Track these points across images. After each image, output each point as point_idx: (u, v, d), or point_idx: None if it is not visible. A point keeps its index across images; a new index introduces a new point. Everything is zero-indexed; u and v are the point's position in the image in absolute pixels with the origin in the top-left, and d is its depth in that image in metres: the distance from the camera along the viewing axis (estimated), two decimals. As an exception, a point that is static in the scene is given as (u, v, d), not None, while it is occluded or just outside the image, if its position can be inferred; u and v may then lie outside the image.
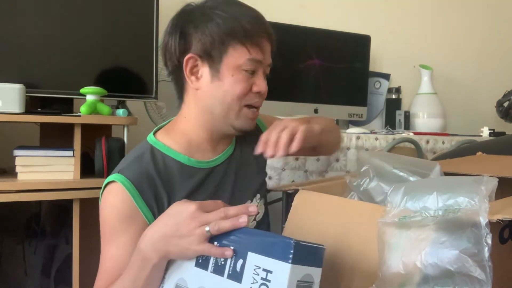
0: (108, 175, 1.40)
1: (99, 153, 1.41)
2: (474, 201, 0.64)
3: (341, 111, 2.13)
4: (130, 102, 1.66)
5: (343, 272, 0.77)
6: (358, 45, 2.19)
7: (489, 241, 0.60)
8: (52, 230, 1.55)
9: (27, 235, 1.53)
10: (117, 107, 1.59)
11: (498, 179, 0.68)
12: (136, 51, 1.60)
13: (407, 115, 2.31)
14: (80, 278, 1.35)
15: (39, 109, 1.48)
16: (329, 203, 0.88)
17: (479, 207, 0.63)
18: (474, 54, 2.67)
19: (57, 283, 1.49)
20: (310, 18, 2.18)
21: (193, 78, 0.90)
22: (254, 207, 0.73)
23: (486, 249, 0.60)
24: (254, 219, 0.99)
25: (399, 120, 2.32)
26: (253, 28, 0.87)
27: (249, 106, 0.91)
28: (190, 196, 0.89)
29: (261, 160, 1.08)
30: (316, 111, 2.02)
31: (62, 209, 1.48)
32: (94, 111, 1.44)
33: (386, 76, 2.41)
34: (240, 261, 0.66)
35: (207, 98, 0.90)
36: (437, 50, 2.58)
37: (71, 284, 1.37)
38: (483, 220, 0.61)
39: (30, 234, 1.54)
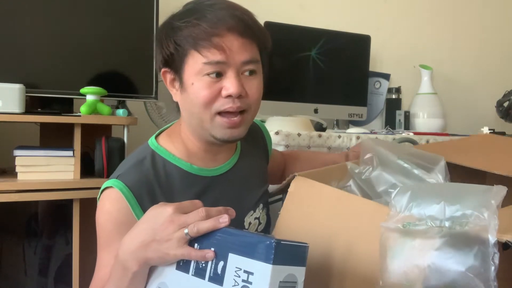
0: (108, 175, 1.40)
1: (99, 153, 1.41)
2: (483, 216, 0.61)
3: (341, 111, 2.13)
4: (130, 102, 1.66)
5: (332, 273, 0.76)
6: (358, 45, 2.19)
7: (496, 260, 0.58)
8: (52, 230, 1.55)
9: (27, 235, 1.53)
10: (117, 107, 1.59)
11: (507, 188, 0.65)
12: (136, 51, 1.60)
13: (407, 115, 2.31)
14: (80, 278, 1.35)
15: (39, 109, 1.48)
16: (327, 194, 0.84)
17: (488, 224, 0.60)
18: (474, 54, 2.67)
19: (57, 283, 1.49)
20: (310, 18, 2.17)
21: (174, 90, 0.89)
22: (232, 210, 0.70)
23: (493, 268, 0.58)
24: (256, 230, 0.98)
25: (399, 120, 2.31)
26: (203, 29, 0.80)
27: (222, 113, 0.84)
28: None
29: (264, 170, 1.06)
30: (316, 111, 2.02)
31: (62, 209, 1.48)
32: (94, 111, 1.44)
33: (386, 76, 2.41)
34: (221, 263, 0.65)
35: (183, 111, 0.89)
36: (437, 50, 2.57)
37: (71, 284, 1.37)
38: (492, 238, 0.59)
39: (30, 234, 1.54)
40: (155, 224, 0.68)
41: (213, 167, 0.92)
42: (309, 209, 0.85)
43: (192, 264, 0.68)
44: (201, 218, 0.67)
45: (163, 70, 0.89)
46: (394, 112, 2.35)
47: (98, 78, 1.53)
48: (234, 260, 0.63)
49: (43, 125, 1.53)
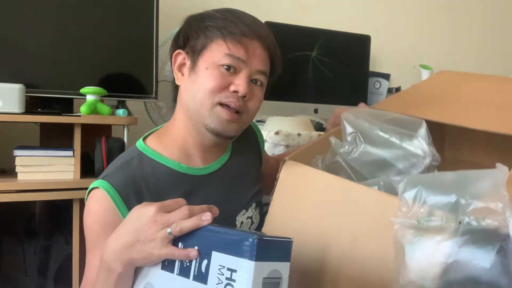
0: (108, 175, 1.40)
1: (99, 153, 1.41)
2: (498, 208, 0.60)
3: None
4: (130, 102, 1.66)
5: (325, 273, 0.74)
6: (358, 45, 2.19)
7: None
8: (52, 230, 1.55)
9: (27, 235, 1.53)
10: (117, 107, 1.59)
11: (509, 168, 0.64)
12: (136, 51, 1.60)
13: (407, 115, 2.31)
14: (80, 278, 1.35)
15: (39, 109, 1.48)
16: (321, 181, 0.81)
17: (507, 219, 0.59)
18: (474, 54, 2.67)
19: (57, 283, 1.49)
20: (310, 18, 2.17)
21: (179, 74, 0.90)
22: (216, 208, 0.70)
23: None
24: (249, 229, 0.97)
25: (399, 120, 2.31)
26: (238, 27, 0.85)
27: (223, 105, 0.86)
28: None
29: (257, 170, 1.06)
30: (316, 111, 2.02)
31: (62, 209, 1.48)
32: (94, 111, 1.44)
33: (386, 76, 2.41)
34: (205, 262, 0.64)
35: (185, 93, 0.89)
36: (437, 50, 2.58)
37: (71, 284, 1.37)
38: None
39: (30, 234, 1.54)
40: (139, 224, 0.68)
41: (203, 166, 0.92)
42: (303, 198, 0.82)
43: (177, 264, 0.67)
44: (184, 217, 0.67)
45: (177, 51, 0.90)
46: (394, 112, 2.35)
47: (98, 78, 1.53)
48: (218, 258, 0.63)
49: (43, 125, 1.53)
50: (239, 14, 0.89)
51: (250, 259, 0.59)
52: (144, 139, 0.92)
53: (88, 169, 1.43)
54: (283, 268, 0.62)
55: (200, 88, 0.85)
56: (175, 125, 0.92)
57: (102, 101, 1.50)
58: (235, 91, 0.85)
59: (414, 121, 0.87)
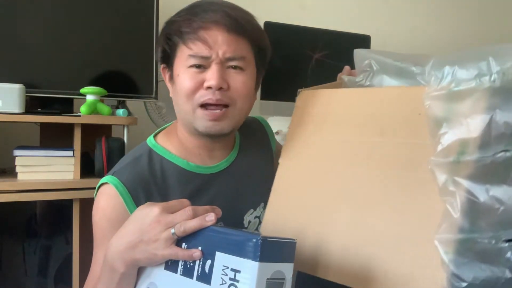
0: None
1: (99, 153, 1.41)
2: None
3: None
4: (130, 102, 1.66)
5: (355, 166, 0.77)
6: (358, 45, 2.18)
7: None
8: (52, 230, 1.55)
9: (27, 235, 1.53)
10: (117, 107, 1.59)
11: None
12: (136, 51, 1.60)
13: (407, 115, 2.31)
14: (80, 278, 1.35)
15: (39, 109, 1.48)
16: (342, 95, 0.78)
17: None
18: (474, 54, 2.67)
19: (57, 283, 1.49)
20: (310, 18, 2.17)
21: (170, 87, 0.91)
22: (219, 209, 0.70)
23: None
24: (256, 229, 0.96)
25: (399, 120, 2.31)
26: (192, 23, 0.82)
27: (204, 106, 0.84)
28: None
29: (267, 168, 1.03)
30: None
31: (62, 209, 1.48)
32: (94, 111, 1.44)
33: (386, 76, 2.41)
34: (209, 262, 0.64)
35: (174, 104, 0.90)
36: (437, 50, 2.57)
37: (71, 284, 1.37)
38: None
39: (30, 234, 1.54)
40: (142, 224, 0.68)
41: (211, 165, 0.92)
42: (323, 117, 0.79)
43: (180, 264, 0.67)
44: (188, 218, 0.67)
45: (162, 66, 0.91)
46: (394, 112, 2.35)
47: (98, 78, 1.53)
48: (221, 259, 0.63)
49: (43, 125, 1.53)
50: (196, 8, 0.85)
51: (254, 259, 0.59)
52: (155, 136, 0.93)
53: (88, 169, 1.43)
54: (286, 269, 0.62)
55: (180, 96, 0.85)
56: (179, 127, 0.92)
57: (102, 101, 1.50)
58: (209, 87, 0.82)
59: (421, 57, 0.83)
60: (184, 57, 0.83)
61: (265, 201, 0.97)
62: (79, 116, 1.39)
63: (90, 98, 1.44)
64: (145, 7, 1.60)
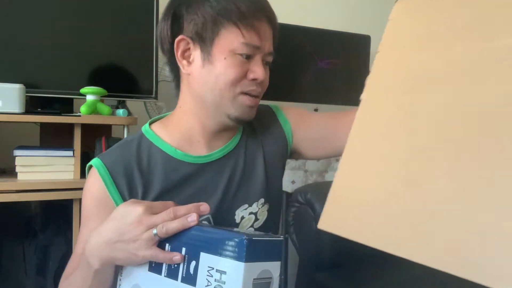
0: (108, 175, 1.40)
1: (99, 153, 1.41)
2: None
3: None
4: (130, 102, 1.66)
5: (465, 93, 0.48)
6: (358, 45, 2.19)
7: None
8: (52, 230, 1.55)
9: (27, 235, 1.53)
10: (117, 107, 1.59)
11: None
12: (136, 51, 1.60)
13: (407, 115, 2.31)
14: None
15: (39, 109, 1.48)
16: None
17: None
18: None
19: (57, 283, 1.49)
20: (310, 18, 2.18)
21: (184, 62, 0.84)
22: (206, 206, 0.68)
23: None
24: (252, 226, 0.91)
25: (399, 120, 2.31)
26: (249, 9, 0.79)
27: (244, 93, 0.83)
28: (170, 191, 0.83)
29: (275, 162, 0.96)
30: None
31: (62, 209, 1.48)
32: (94, 111, 1.44)
33: (386, 76, 2.41)
34: (193, 263, 0.62)
35: (199, 84, 0.84)
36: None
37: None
38: None
39: (30, 234, 1.54)
40: (123, 223, 0.68)
41: (202, 154, 0.88)
42: (427, 29, 0.57)
43: (164, 265, 0.66)
44: (170, 219, 0.66)
45: (180, 37, 0.82)
46: (394, 112, 2.35)
47: (98, 78, 1.53)
48: (206, 260, 0.61)
49: (43, 125, 1.53)
50: None
51: (240, 260, 0.57)
52: (150, 123, 0.91)
53: (88, 169, 1.43)
54: (273, 268, 0.61)
55: (220, 79, 0.81)
56: (180, 112, 0.88)
57: (102, 101, 1.50)
58: (254, 79, 0.82)
59: None
60: (236, 42, 0.80)
61: (266, 197, 0.93)
62: (79, 116, 1.39)
63: (90, 98, 1.44)
64: (145, 7, 1.60)
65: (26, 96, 1.37)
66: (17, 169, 1.33)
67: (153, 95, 1.62)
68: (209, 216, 0.85)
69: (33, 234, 1.54)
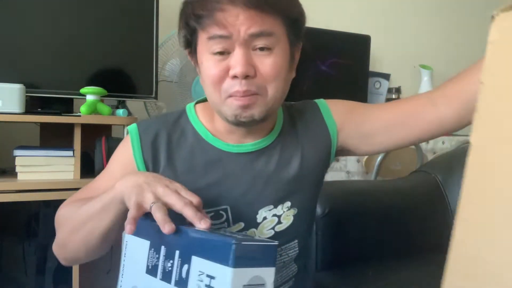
0: (108, 175, 1.40)
1: (99, 153, 1.41)
2: None
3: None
4: (130, 102, 1.66)
5: None
6: (358, 45, 2.19)
7: None
8: (52, 230, 1.54)
9: (27, 235, 1.53)
10: (117, 107, 1.59)
11: None
12: (136, 51, 1.60)
13: (407, 115, 2.31)
14: (80, 278, 1.35)
15: (39, 109, 1.48)
16: None
17: None
18: (474, 54, 2.67)
19: (57, 283, 1.49)
20: (310, 18, 2.18)
21: (199, 72, 0.85)
22: (207, 222, 0.63)
23: None
24: (272, 228, 0.87)
25: (399, 120, 2.32)
26: (207, 7, 0.73)
27: (231, 96, 0.76)
28: (192, 172, 0.83)
29: (312, 167, 0.90)
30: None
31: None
32: (94, 111, 1.44)
33: (386, 76, 2.41)
34: (186, 266, 0.60)
35: (204, 89, 0.84)
36: (437, 50, 2.58)
37: (71, 284, 1.37)
38: None
39: (30, 234, 1.54)
40: (149, 176, 0.70)
41: (235, 143, 0.85)
42: None
43: (160, 268, 0.65)
44: (186, 204, 0.65)
45: (187, 51, 0.84)
46: (394, 112, 2.35)
47: (98, 78, 1.53)
48: (197, 263, 0.59)
49: (43, 125, 1.53)
50: None
51: (228, 265, 0.55)
52: (197, 102, 0.91)
53: (88, 169, 1.43)
54: (266, 274, 0.58)
55: (206, 85, 0.79)
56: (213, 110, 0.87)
57: (102, 101, 1.50)
58: (235, 76, 0.74)
59: None
60: (204, 42, 0.76)
61: (293, 201, 0.88)
62: (79, 116, 1.39)
63: (90, 98, 1.44)
64: (145, 7, 1.60)
65: (26, 96, 1.37)
66: (17, 169, 1.33)
67: (153, 95, 1.62)
68: (228, 207, 0.84)
69: (33, 234, 1.54)
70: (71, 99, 1.54)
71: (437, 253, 1.58)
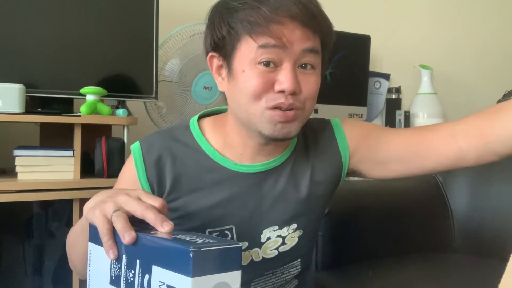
0: (108, 175, 1.41)
1: (99, 153, 1.41)
2: None
3: (341, 111, 2.13)
4: (130, 102, 1.66)
5: None
6: (358, 45, 2.18)
7: None
8: (52, 230, 1.55)
9: (27, 235, 1.53)
10: (117, 107, 1.59)
11: None
12: (136, 51, 1.60)
13: (407, 115, 2.31)
14: (80, 278, 1.35)
15: (39, 109, 1.48)
16: None
17: None
18: (474, 54, 2.67)
19: (57, 283, 1.49)
20: (310, 18, 2.17)
21: (219, 79, 0.81)
22: (169, 225, 0.60)
23: None
24: (276, 249, 0.86)
25: (399, 120, 2.32)
26: (262, 13, 0.71)
27: (274, 108, 0.74)
28: (199, 192, 0.81)
29: (321, 189, 0.88)
30: (316, 111, 2.02)
31: (62, 209, 1.48)
32: (94, 111, 1.44)
33: (386, 76, 2.41)
34: (147, 277, 0.57)
35: (230, 102, 0.80)
36: (437, 50, 2.57)
37: (70, 285, 1.37)
38: None
39: (30, 234, 1.54)
40: (123, 191, 0.67)
41: (242, 163, 0.83)
42: None
43: (122, 279, 0.62)
44: (146, 207, 0.61)
45: (210, 54, 0.80)
46: (394, 112, 2.35)
47: (98, 78, 1.53)
48: (158, 273, 0.55)
49: (43, 125, 1.53)
50: None
51: (187, 275, 0.51)
52: (201, 117, 0.88)
53: (88, 169, 1.43)
54: (232, 279, 0.54)
55: (243, 95, 0.75)
56: (230, 122, 0.83)
57: (102, 101, 1.50)
58: (281, 91, 0.73)
59: None
60: (251, 50, 0.73)
61: (299, 223, 0.86)
62: (79, 116, 1.39)
63: (90, 98, 1.44)
64: (145, 7, 1.60)
65: (26, 96, 1.37)
66: (17, 169, 1.33)
67: (153, 95, 1.62)
68: (233, 227, 0.82)
69: (33, 234, 1.54)
70: (71, 99, 1.54)
71: (437, 253, 1.60)
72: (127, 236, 0.58)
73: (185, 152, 0.82)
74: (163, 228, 0.59)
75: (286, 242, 0.86)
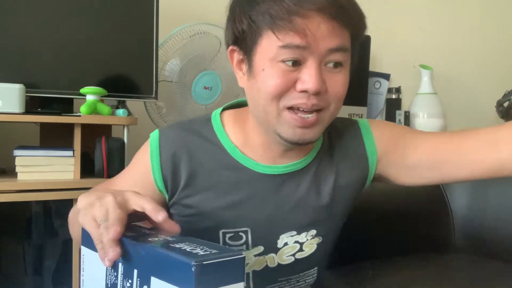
0: (108, 175, 1.41)
1: (99, 153, 1.41)
2: None
3: (341, 111, 2.11)
4: (130, 102, 1.66)
5: None
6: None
7: None
8: (52, 230, 1.55)
9: (27, 235, 1.53)
10: (117, 107, 1.59)
11: None
12: (136, 51, 1.60)
13: (407, 115, 2.31)
14: (80, 279, 1.35)
15: (39, 109, 1.48)
16: None
17: None
18: (474, 54, 2.67)
19: (57, 283, 1.49)
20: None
21: (240, 74, 0.76)
22: (171, 223, 0.58)
23: None
24: (293, 255, 0.82)
25: (399, 120, 2.32)
26: (286, 8, 0.65)
27: (292, 108, 0.70)
28: (214, 190, 0.77)
29: (345, 195, 0.84)
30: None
31: (62, 209, 1.48)
32: (94, 111, 1.44)
33: (386, 76, 2.41)
34: None
35: (248, 99, 0.77)
36: (437, 50, 2.57)
37: (70, 285, 1.37)
38: None
39: (30, 234, 1.54)
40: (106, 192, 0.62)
41: (263, 163, 0.78)
42: None
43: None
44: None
45: (230, 48, 0.75)
46: (394, 112, 2.35)
47: (98, 78, 1.53)
48: (157, 285, 0.53)
49: (43, 125, 1.53)
50: None
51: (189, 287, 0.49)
52: (224, 109, 0.83)
53: (88, 169, 1.43)
54: None
55: (261, 94, 0.70)
56: (248, 120, 0.80)
57: (102, 101, 1.50)
58: (304, 91, 0.68)
59: None
60: (273, 48, 0.67)
61: (319, 230, 0.82)
62: (79, 116, 1.39)
63: (90, 98, 1.44)
64: (145, 7, 1.60)
65: (26, 96, 1.37)
66: (17, 169, 1.33)
67: (153, 95, 1.62)
68: (248, 229, 0.79)
69: (33, 234, 1.54)
70: (71, 99, 1.54)
71: (437, 253, 1.59)
72: (111, 252, 0.55)
73: (204, 146, 0.78)
74: (159, 216, 0.58)
75: (304, 248, 0.82)
